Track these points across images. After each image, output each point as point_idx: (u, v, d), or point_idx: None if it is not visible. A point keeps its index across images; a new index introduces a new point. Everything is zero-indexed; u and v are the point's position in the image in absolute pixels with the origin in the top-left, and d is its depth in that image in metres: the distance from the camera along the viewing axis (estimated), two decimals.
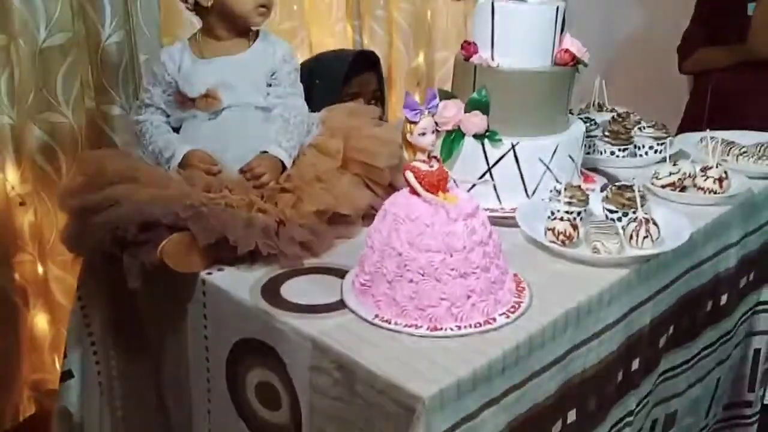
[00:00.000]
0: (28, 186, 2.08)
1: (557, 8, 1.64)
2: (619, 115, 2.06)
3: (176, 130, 1.60)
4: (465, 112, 1.65)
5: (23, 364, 2.20)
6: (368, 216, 1.55)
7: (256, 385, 1.37)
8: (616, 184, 1.60)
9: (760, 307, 2.02)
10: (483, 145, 1.64)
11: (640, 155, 1.95)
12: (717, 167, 1.73)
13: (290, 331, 1.25)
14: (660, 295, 1.54)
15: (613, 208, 1.55)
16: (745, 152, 1.91)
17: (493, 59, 1.65)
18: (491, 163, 1.65)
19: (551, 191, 1.58)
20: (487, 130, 1.64)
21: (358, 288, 1.30)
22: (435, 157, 1.28)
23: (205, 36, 1.59)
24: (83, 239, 1.48)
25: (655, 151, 1.93)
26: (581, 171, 1.80)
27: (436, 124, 1.26)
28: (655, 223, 1.48)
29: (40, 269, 2.17)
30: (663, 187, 1.72)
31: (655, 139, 1.93)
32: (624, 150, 1.94)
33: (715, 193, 1.70)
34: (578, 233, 1.48)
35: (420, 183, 1.24)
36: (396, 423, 1.11)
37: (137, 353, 1.65)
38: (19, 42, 1.97)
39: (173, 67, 1.57)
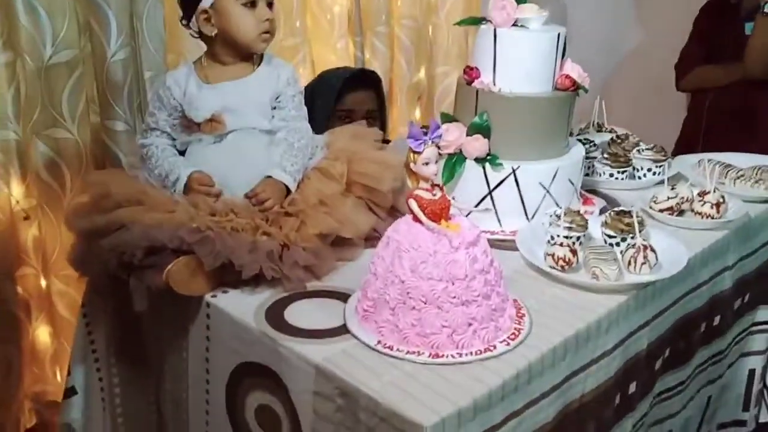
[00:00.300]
0: (33, 200, 2.10)
1: (558, 35, 1.66)
2: (618, 136, 2.09)
3: (182, 153, 1.62)
4: (467, 135, 1.67)
5: (25, 376, 2.21)
6: (371, 238, 1.58)
7: (255, 408, 1.39)
8: (615, 209, 1.62)
9: (755, 328, 2.04)
10: (484, 168, 1.66)
11: (639, 177, 1.98)
12: (714, 192, 1.75)
13: (294, 356, 1.27)
14: (657, 319, 1.56)
15: (611, 233, 1.58)
16: (742, 175, 1.94)
17: (494, 84, 1.67)
18: (492, 186, 1.67)
19: (551, 216, 1.61)
20: (488, 154, 1.67)
21: (361, 314, 1.32)
22: (438, 185, 1.30)
23: (210, 60, 1.61)
24: (90, 262, 1.50)
25: (654, 173, 1.96)
26: (581, 193, 1.83)
27: (440, 154, 1.29)
28: (652, 250, 1.50)
29: (43, 283, 2.19)
30: (661, 211, 1.75)
31: (654, 161, 1.95)
32: (623, 172, 1.96)
33: (712, 218, 1.73)
34: (577, 258, 1.50)
35: (423, 211, 1.27)
36: None
37: (140, 372, 1.67)
38: (25, 58, 1.98)
39: (179, 92, 1.58)
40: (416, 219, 1.28)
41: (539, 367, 1.27)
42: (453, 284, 1.24)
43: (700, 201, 1.75)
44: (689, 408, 1.84)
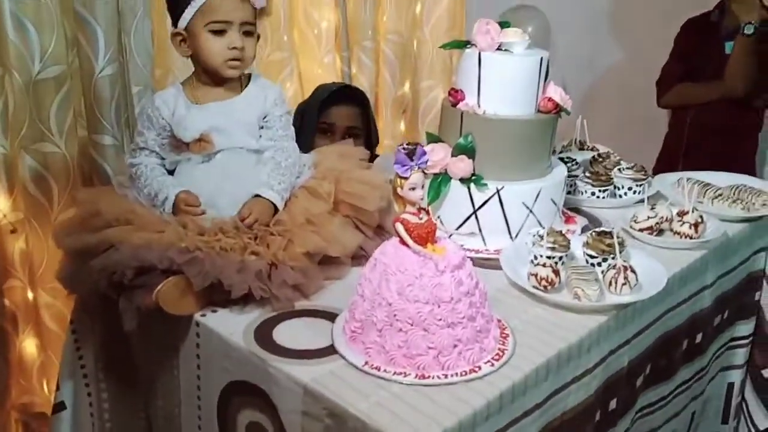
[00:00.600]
0: (20, 214, 2.10)
1: (541, 59, 1.70)
2: (599, 155, 2.12)
3: (171, 172, 1.64)
4: (452, 156, 1.71)
5: (12, 388, 2.22)
6: (358, 257, 1.61)
7: (246, 425, 1.41)
8: (596, 230, 1.65)
9: (734, 343, 2.09)
10: (469, 188, 1.69)
11: (620, 196, 2.01)
12: (693, 212, 1.79)
13: (283, 376, 1.30)
14: (637, 338, 1.60)
15: (593, 253, 1.61)
16: (720, 194, 1.98)
17: (479, 106, 1.70)
18: (477, 206, 1.70)
19: (534, 235, 1.64)
20: (473, 174, 1.70)
21: (349, 334, 1.35)
22: (424, 209, 1.33)
23: (198, 81, 1.64)
24: (79, 281, 1.52)
25: (634, 192, 1.99)
26: (563, 212, 1.86)
27: (425, 172, 1.32)
28: (633, 270, 1.54)
29: (30, 295, 2.20)
30: (641, 230, 1.78)
31: (634, 180, 1.99)
32: (604, 191, 2.00)
33: (691, 238, 1.76)
34: (560, 278, 1.53)
35: (409, 235, 1.29)
36: None
37: (129, 388, 1.69)
38: (13, 74, 1.99)
39: (168, 112, 1.60)
40: (403, 242, 1.30)
41: (522, 387, 1.30)
42: (439, 307, 1.27)
43: (679, 221, 1.78)
44: (673, 422, 1.88)
